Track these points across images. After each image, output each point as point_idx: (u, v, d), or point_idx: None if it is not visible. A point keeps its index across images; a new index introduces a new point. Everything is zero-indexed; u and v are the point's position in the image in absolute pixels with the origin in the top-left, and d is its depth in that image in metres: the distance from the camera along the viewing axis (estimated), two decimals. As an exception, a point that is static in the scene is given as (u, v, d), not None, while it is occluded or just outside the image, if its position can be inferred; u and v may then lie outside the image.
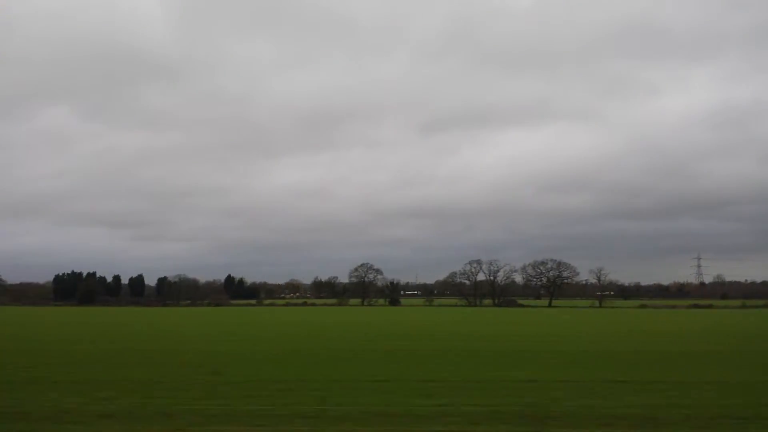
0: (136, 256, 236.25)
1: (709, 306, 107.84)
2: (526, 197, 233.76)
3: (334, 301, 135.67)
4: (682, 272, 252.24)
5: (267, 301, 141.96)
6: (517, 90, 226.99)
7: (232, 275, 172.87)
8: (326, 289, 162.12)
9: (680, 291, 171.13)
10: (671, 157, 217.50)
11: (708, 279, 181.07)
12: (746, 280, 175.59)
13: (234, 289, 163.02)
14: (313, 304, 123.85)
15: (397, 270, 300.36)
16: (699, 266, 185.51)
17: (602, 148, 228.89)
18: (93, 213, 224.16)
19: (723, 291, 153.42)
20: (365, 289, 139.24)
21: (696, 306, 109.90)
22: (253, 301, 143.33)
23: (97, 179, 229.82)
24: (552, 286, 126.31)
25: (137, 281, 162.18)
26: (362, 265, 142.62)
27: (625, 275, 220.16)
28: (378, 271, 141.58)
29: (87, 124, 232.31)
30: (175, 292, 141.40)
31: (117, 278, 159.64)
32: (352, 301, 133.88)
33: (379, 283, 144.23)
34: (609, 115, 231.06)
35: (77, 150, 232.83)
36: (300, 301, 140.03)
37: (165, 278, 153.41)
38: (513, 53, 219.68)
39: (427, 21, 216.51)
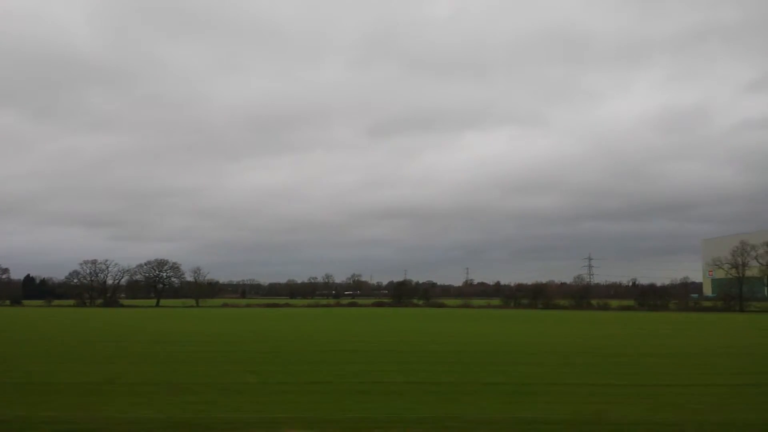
0: (120, 256, 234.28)
1: (473, 306, 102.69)
2: (493, 199, 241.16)
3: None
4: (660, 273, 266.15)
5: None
6: (456, 95, 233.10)
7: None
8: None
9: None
10: (628, 160, 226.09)
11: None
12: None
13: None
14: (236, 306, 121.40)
15: (384, 270, 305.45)
16: (590, 266, 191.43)
17: (559, 152, 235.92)
18: (68, 214, 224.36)
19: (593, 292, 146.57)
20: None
21: (466, 306, 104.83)
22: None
23: (64, 181, 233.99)
24: (157, 285, 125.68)
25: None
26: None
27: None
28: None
29: (38, 127, 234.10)
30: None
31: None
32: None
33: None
34: (557, 119, 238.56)
35: (36, 152, 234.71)
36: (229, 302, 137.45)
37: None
38: (441, 60, 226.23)
39: (352, 28, 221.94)
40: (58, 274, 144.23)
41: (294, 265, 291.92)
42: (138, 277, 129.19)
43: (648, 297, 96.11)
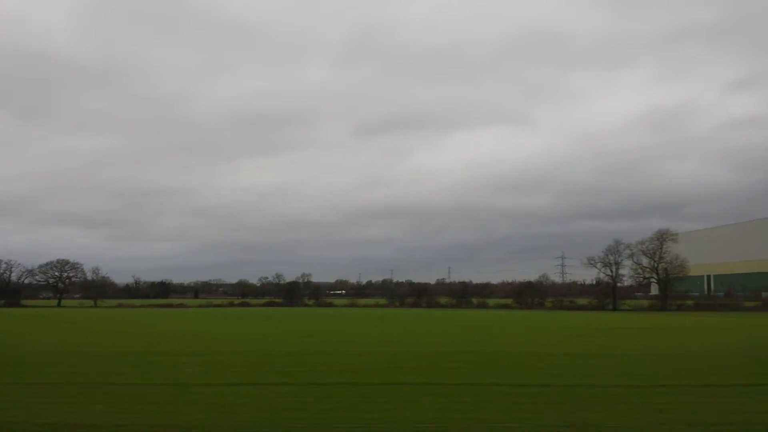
0: (117, 256, 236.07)
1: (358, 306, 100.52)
2: (487, 198, 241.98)
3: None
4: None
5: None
6: (441, 95, 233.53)
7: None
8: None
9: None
10: (618, 159, 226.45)
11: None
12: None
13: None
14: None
15: (382, 270, 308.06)
16: (563, 266, 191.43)
17: (549, 151, 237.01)
18: (64, 214, 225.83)
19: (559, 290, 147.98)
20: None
21: (353, 305, 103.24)
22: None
23: (57, 181, 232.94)
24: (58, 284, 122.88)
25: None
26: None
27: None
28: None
29: (25, 128, 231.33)
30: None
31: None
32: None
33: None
34: (544, 119, 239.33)
35: (26, 153, 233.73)
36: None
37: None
38: (423, 61, 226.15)
39: (335, 29, 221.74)
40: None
41: (291, 265, 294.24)
42: (39, 277, 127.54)
43: (525, 294, 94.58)
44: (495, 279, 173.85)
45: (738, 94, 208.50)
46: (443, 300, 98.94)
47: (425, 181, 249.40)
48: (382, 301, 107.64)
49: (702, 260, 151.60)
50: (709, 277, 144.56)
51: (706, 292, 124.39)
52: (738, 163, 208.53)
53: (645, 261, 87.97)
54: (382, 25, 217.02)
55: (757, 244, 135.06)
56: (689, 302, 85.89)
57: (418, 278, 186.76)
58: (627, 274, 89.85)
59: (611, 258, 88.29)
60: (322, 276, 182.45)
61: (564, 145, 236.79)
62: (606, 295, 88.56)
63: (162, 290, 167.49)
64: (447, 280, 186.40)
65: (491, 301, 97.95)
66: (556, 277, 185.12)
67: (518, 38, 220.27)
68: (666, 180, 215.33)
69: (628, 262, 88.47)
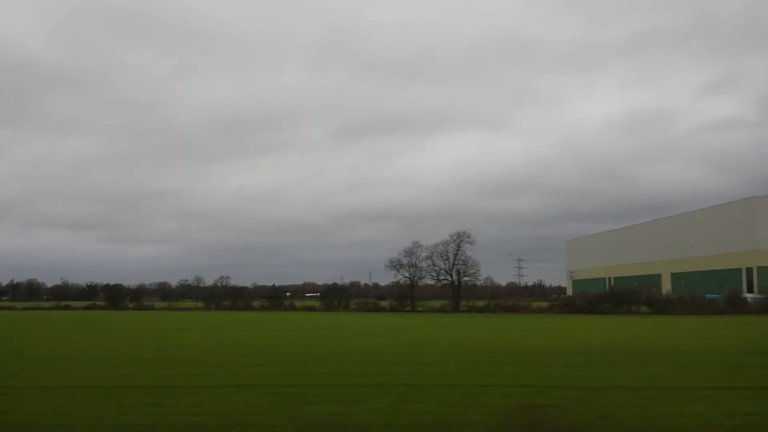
0: (113, 259, 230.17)
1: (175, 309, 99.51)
2: (473, 201, 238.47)
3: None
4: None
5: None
6: (418, 99, 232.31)
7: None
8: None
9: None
10: (601, 162, 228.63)
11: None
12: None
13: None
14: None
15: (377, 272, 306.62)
16: (519, 268, 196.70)
17: (531, 155, 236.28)
18: (54, 217, 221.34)
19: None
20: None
21: (170, 308, 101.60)
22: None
23: (42, 185, 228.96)
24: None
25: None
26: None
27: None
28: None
29: (5, 131, 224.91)
30: None
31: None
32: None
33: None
34: (523, 123, 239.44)
35: (10, 156, 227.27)
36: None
37: None
38: (395, 65, 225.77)
39: (304, 34, 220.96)
40: (49, 277, 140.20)
41: (287, 267, 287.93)
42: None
43: (331, 296, 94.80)
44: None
45: (711, 97, 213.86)
46: (255, 303, 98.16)
47: (411, 183, 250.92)
48: (200, 303, 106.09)
49: (606, 263, 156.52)
50: (610, 279, 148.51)
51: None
52: (720, 166, 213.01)
53: (442, 263, 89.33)
54: (352, 29, 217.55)
55: (645, 246, 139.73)
56: (480, 303, 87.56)
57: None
58: (426, 276, 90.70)
59: (408, 260, 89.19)
60: (315, 278, 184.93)
61: (546, 148, 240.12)
62: (405, 296, 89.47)
63: (91, 293, 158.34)
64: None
65: (299, 303, 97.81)
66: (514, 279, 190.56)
67: (488, 43, 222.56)
68: (651, 183, 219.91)
69: (424, 264, 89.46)
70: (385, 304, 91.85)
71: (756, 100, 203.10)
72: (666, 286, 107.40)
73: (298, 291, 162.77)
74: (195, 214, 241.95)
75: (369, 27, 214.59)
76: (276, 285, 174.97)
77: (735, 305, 73.03)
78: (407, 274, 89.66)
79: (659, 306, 78.28)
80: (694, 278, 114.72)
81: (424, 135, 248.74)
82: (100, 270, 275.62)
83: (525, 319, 61.51)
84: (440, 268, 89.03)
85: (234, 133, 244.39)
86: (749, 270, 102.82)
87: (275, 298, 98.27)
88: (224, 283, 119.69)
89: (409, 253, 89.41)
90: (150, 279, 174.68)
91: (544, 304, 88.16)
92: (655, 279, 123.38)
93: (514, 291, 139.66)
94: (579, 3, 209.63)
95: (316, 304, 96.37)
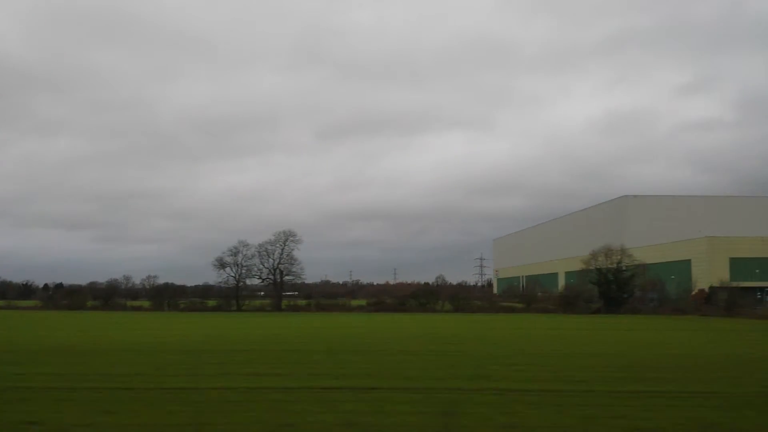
0: (107, 258, 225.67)
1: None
2: (462, 201, 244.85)
3: None
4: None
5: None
6: (399, 100, 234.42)
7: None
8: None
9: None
10: (585, 163, 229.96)
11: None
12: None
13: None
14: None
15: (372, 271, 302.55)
16: (481, 267, 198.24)
17: (515, 155, 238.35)
18: (45, 217, 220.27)
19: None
20: None
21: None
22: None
23: (31, 185, 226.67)
24: None
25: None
26: None
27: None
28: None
29: None
30: None
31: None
32: None
33: None
34: (505, 123, 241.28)
35: None
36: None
37: None
38: (373, 66, 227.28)
39: (281, 37, 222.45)
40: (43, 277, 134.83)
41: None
42: None
43: (163, 296, 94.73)
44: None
45: (689, 98, 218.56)
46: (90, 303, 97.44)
47: (399, 183, 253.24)
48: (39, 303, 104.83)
49: (522, 261, 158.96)
50: (523, 278, 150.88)
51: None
52: (706, 166, 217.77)
53: (267, 262, 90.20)
54: (327, 31, 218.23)
55: (548, 246, 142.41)
56: (301, 303, 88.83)
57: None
58: (251, 275, 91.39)
59: (233, 259, 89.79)
60: (312, 278, 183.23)
61: (530, 148, 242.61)
62: (231, 295, 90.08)
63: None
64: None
65: (131, 303, 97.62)
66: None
67: (464, 45, 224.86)
68: (636, 182, 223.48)
69: (252, 263, 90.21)
70: (212, 303, 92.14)
71: (733, 101, 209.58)
72: (561, 284, 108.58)
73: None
74: (186, 214, 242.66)
75: (344, 29, 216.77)
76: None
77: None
78: (233, 273, 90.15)
79: (460, 303, 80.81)
80: (581, 277, 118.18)
81: (408, 136, 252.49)
82: (95, 269, 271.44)
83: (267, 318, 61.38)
84: (264, 267, 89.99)
85: (217, 133, 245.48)
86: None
87: (107, 298, 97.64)
88: (152, 283, 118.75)
89: (235, 252, 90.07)
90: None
91: (363, 302, 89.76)
92: (554, 277, 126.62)
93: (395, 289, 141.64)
94: (551, 5, 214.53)
95: (146, 303, 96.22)
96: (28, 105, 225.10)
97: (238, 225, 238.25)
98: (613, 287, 71.85)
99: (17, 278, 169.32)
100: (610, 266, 72.65)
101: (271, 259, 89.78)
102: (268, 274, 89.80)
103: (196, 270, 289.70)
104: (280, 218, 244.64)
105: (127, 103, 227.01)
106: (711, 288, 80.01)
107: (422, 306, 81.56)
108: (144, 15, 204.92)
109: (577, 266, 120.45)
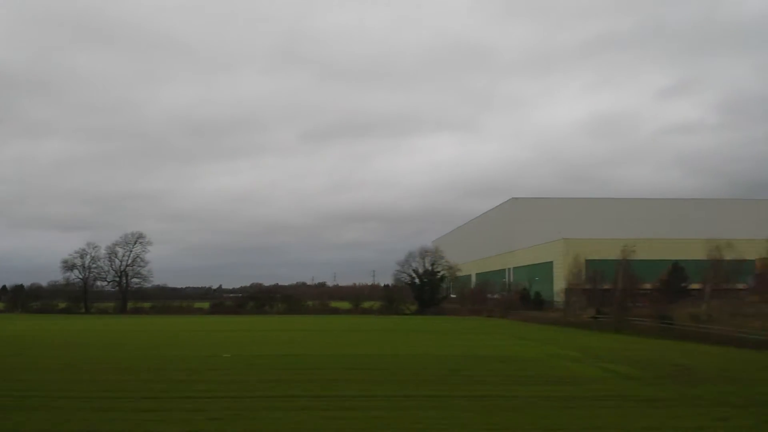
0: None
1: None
2: (454, 203, 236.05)
3: None
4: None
5: None
6: (386, 102, 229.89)
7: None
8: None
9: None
10: (574, 165, 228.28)
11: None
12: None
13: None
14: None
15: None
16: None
17: (504, 157, 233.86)
18: (39, 218, 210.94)
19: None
20: None
21: None
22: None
23: (23, 187, 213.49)
24: None
25: None
26: None
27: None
28: None
29: None
30: None
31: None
32: None
33: None
34: (492, 126, 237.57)
35: None
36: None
37: None
38: (357, 68, 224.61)
39: (263, 39, 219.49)
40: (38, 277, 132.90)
41: (281, 267, 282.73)
42: None
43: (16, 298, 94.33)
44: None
45: (672, 101, 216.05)
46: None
47: (391, 185, 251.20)
48: None
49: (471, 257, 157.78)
50: (473, 275, 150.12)
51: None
52: (694, 168, 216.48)
53: (114, 264, 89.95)
54: (308, 34, 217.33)
55: (466, 248, 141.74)
56: (147, 305, 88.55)
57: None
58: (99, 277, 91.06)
59: (81, 261, 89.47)
60: (309, 278, 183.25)
61: (520, 151, 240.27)
62: (79, 298, 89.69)
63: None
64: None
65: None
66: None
67: (444, 48, 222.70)
68: (625, 184, 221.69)
69: (101, 265, 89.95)
70: (63, 305, 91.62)
71: (715, 104, 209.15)
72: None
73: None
74: (180, 216, 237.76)
75: (324, 32, 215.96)
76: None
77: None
78: (80, 275, 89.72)
79: (291, 305, 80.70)
80: (489, 278, 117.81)
81: (396, 138, 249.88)
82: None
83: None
84: (112, 269, 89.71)
85: (207, 135, 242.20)
86: (510, 270, 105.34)
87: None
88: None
89: (82, 254, 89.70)
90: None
91: (206, 305, 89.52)
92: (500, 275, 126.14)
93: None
94: (529, 8, 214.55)
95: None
96: (16, 107, 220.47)
97: (232, 226, 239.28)
98: (426, 288, 71.82)
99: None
100: (427, 268, 72.72)
101: (118, 261, 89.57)
102: (114, 276, 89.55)
103: (191, 272, 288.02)
104: (274, 220, 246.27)
105: (115, 106, 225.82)
106: (566, 290, 79.91)
107: (259, 308, 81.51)
108: (126, 19, 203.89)
109: (486, 268, 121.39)
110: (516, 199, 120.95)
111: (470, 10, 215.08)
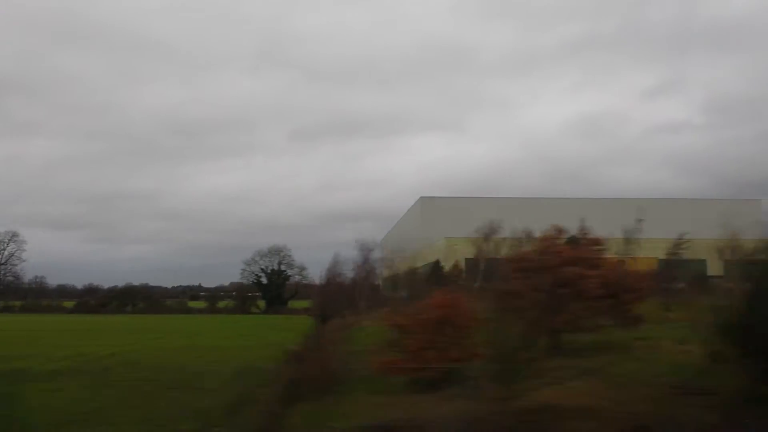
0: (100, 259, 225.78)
1: None
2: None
3: None
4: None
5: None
6: (372, 102, 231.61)
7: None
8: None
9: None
10: (563, 165, 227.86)
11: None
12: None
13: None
14: None
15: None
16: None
17: (493, 157, 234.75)
18: (31, 217, 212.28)
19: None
20: None
21: None
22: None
23: (19, 186, 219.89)
24: None
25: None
26: None
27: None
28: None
29: None
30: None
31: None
32: None
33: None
34: (480, 126, 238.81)
35: None
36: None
37: None
38: (339, 69, 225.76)
39: (245, 40, 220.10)
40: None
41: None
42: None
43: None
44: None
45: (656, 101, 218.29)
46: None
47: (383, 184, 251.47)
48: None
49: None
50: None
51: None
52: (685, 168, 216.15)
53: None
54: (289, 34, 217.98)
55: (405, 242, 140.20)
56: (17, 304, 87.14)
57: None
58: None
59: None
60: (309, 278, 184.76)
61: (508, 151, 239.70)
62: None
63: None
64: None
65: None
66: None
67: (426, 50, 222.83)
68: (616, 185, 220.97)
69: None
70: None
71: (700, 104, 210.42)
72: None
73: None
74: (173, 216, 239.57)
75: (304, 33, 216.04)
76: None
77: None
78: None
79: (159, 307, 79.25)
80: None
81: (385, 138, 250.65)
82: (95, 270, 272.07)
83: None
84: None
85: (194, 135, 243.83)
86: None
87: None
88: (39, 283, 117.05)
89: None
90: (136, 279, 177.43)
91: (70, 304, 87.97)
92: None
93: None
94: (511, 8, 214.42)
95: None
96: (1, 107, 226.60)
97: (225, 226, 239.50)
98: (272, 287, 70.68)
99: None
100: (273, 268, 71.61)
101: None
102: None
103: (184, 271, 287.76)
104: (267, 220, 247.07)
105: (101, 106, 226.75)
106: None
107: (120, 307, 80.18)
108: (108, 21, 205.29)
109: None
110: (423, 198, 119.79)
111: (452, 10, 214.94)
